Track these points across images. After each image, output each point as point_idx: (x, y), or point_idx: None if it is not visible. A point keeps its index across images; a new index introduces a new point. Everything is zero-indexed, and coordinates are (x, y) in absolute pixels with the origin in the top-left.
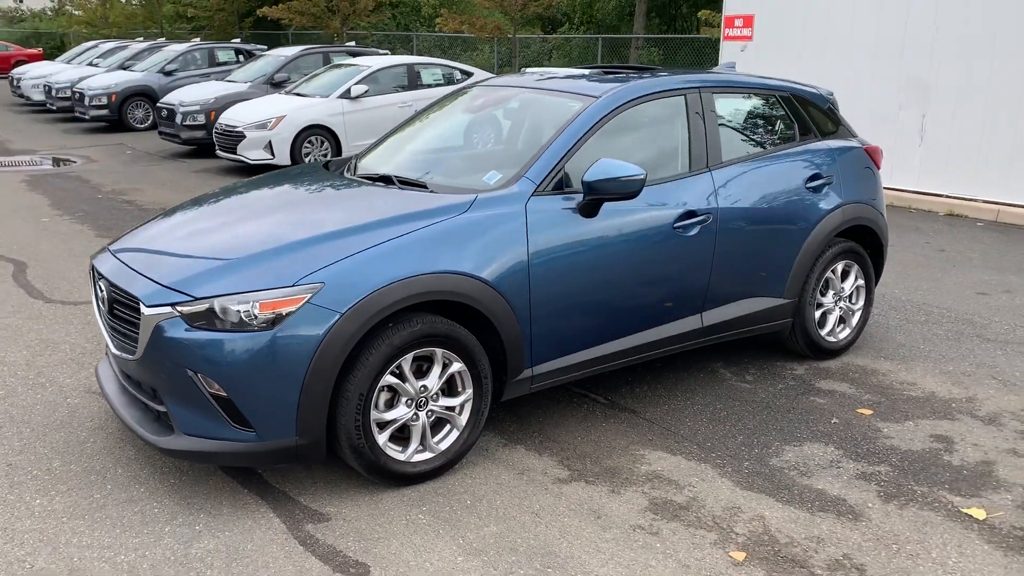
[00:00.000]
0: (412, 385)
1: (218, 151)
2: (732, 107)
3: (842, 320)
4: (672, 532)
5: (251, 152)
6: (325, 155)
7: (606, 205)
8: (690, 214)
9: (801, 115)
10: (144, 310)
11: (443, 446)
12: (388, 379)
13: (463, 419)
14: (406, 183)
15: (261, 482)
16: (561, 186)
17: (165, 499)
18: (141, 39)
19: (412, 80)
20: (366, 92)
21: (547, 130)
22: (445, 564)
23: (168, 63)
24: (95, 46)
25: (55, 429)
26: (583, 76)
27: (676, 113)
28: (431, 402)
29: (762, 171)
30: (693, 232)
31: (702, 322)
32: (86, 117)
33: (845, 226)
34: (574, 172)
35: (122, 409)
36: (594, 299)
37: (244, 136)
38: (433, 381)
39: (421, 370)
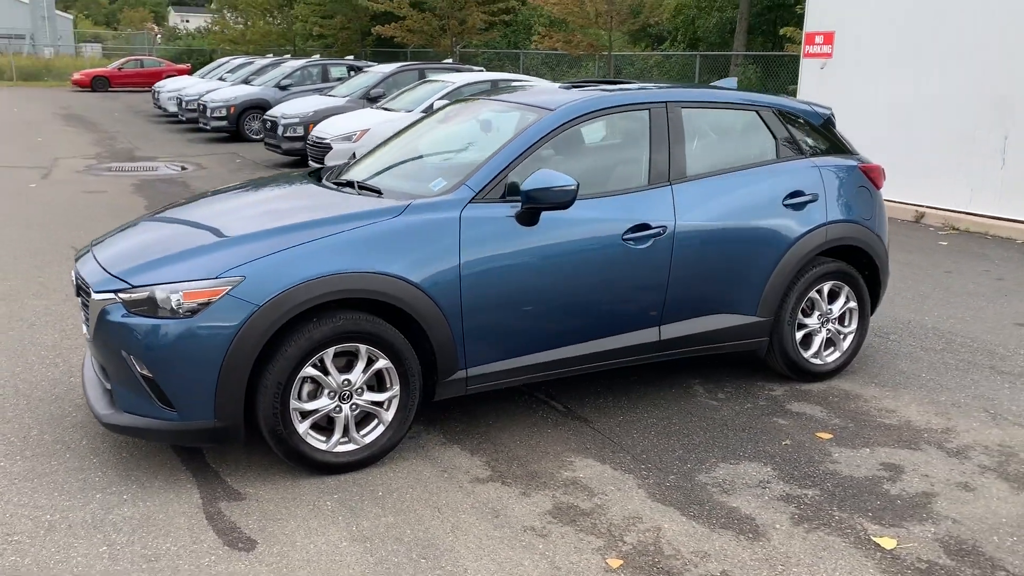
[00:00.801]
0: (334, 378)
1: (310, 161)
2: (705, 122)
3: (831, 343)
4: (561, 536)
5: (337, 163)
6: None
7: (548, 214)
8: (642, 227)
9: (785, 132)
10: (93, 295)
11: (368, 439)
12: (309, 371)
13: (389, 415)
14: (364, 188)
15: (199, 461)
16: (507, 195)
17: (109, 470)
18: (271, 56)
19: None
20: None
21: (502, 140)
22: (328, 547)
23: (284, 78)
24: (227, 62)
25: (48, 403)
26: (560, 89)
27: (638, 127)
28: (355, 396)
29: (730, 187)
30: (645, 245)
31: (660, 335)
32: (208, 127)
33: (830, 245)
34: (522, 181)
35: (88, 387)
36: (535, 306)
37: (331, 147)
38: (357, 376)
39: (348, 365)
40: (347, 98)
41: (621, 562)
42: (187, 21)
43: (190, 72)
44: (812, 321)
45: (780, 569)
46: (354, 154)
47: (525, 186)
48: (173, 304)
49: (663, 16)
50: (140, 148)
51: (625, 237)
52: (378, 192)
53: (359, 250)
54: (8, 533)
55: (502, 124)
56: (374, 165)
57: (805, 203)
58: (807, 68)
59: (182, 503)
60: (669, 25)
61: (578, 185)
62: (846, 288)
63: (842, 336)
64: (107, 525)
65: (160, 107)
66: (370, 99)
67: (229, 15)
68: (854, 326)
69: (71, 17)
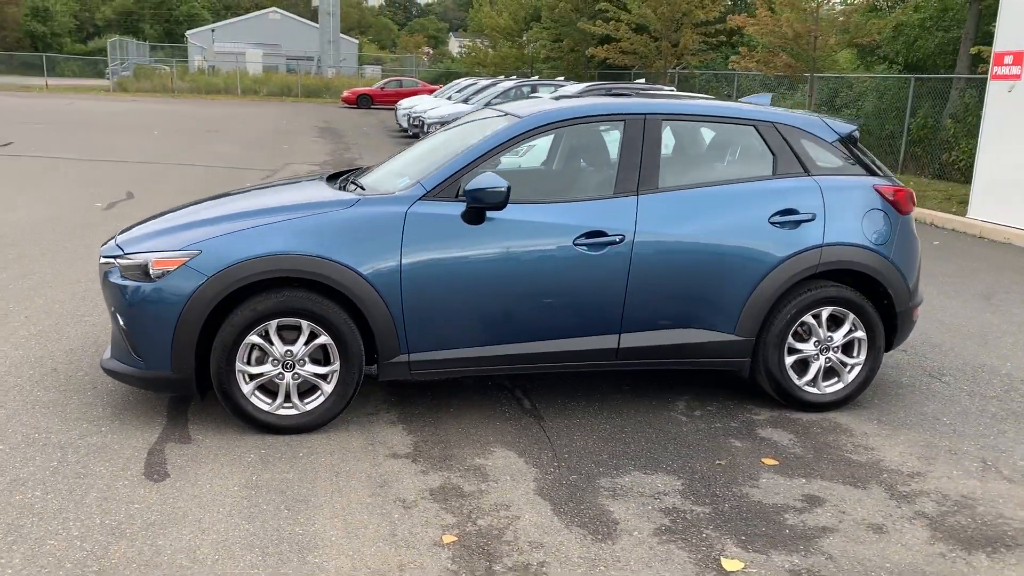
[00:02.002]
0: (278, 348)
1: None
2: (691, 135)
3: (833, 373)
4: (422, 511)
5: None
6: None
7: (498, 215)
8: (597, 233)
9: (786, 148)
10: (100, 260)
11: (310, 407)
12: (253, 338)
13: (329, 387)
14: (356, 185)
15: (180, 410)
16: (460, 195)
17: (108, 408)
18: (500, 77)
19: None
20: None
21: (472, 144)
22: (220, 489)
23: (495, 97)
24: (457, 83)
25: (64, 353)
26: (550, 99)
27: (610, 138)
28: (298, 366)
29: (707, 201)
30: (600, 251)
31: (619, 343)
32: None
33: (825, 268)
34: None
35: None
36: (479, 301)
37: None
38: (299, 348)
39: (294, 338)
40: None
41: (454, 539)
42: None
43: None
44: (807, 347)
45: (600, 570)
46: None
47: (467, 186)
48: (148, 271)
49: (874, 35)
50: (362, 157)
51: (577, 242)
52: (361, 188)
53: (304, 236)
54: (1, 438)
55: (479, 131)
56: (391, 167)
57: (798, 222)
58: (994, 91)
59: (139, 440)
60: (889, 48)
61: (509, 188)
62: (851, 316)
63: (847, 367)
64: (71, 447)
65: (398, 122)
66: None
67: (480, 41)
68: (861, 358)
69: (356, 41)
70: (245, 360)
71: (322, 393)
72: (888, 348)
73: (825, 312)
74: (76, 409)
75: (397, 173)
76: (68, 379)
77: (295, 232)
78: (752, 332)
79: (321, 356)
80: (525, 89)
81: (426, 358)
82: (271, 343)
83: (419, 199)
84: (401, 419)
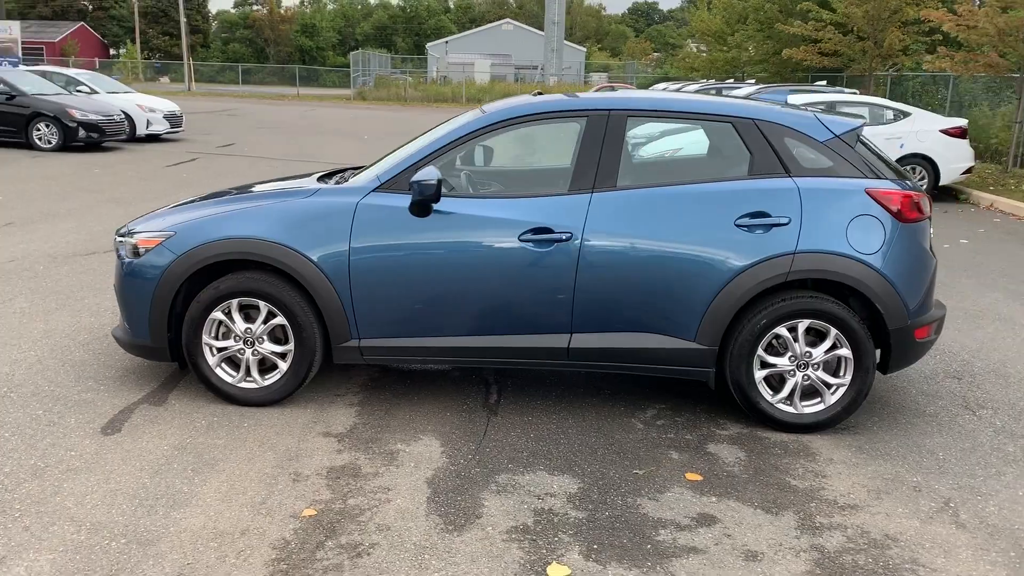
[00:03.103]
0: (238, 326)
1: None
2: (661, 133)
3: (815, 392)
4: (308, 485)
5: None
6: None
7: (442, 207)
8: (544, 230)
9: (767, 147)
10: (115, 238)
11: (267, 383)
12: (217, 315)
13: (285, 365)
14: (342, 178)
15: (175, 377)
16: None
17: (116, 369)
18: (704, 80)
19: None
20: None
21: (433, 138)
22: (154, 447)
23: None
24: (654, 88)
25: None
26: (534, 95)
27: (571, 134)
28: (257, 344)
29: (667, 201)
30: (546, 248)
31: (570, 343)
32: None
33: (798, 277)
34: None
35: None
36: (425, 292)
37: None
38: (257, 327)
39: (254, 317)
40: None
41: (313, 513)
42: (703, 51)
43: None
44: (782, 362)
45: (424, 559)
46: None
47: (413, 179)
48: (137, 249)
49: None
50: None
51: (523, 238)
52: (345, 181)
53: (262, 222)
54: (15, 385)
55: (452, 125)
56: (383, 162)
57: (768, 226)
58: None
59: (120, 399)
60: None
61: (440, 180)
62: (834, 331)
63: (830, 388)
64: (63, 399)
65: None
66: None
67: (694, 45)
68: (847, 378)
69: (583, 49)
70: (212, 334)
71: (279, 371)
72: (884, 371)
73: (802, 325)
74: (93, 369)
75: (379, 167)
76: (107, 344)
77: (255, 218)
78: (714, 341)
79: (281, 336)
80: (712, 92)
81: (376, 344)
82: (233, 321)
83: (372, 191)
84: (362, 402)
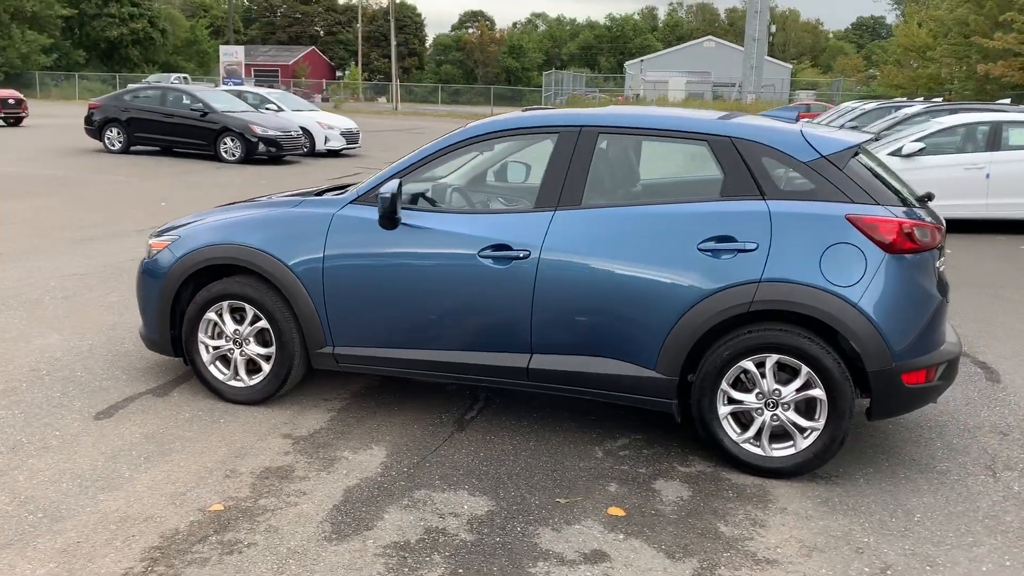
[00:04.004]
0: (228, 326)
1: None
2: (634, 150)
3: (788, 435)
4: (234, 482)
5: None
6: None
7: (410, 221)
8: (502, 247)
9: (739, 165)
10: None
11: (253, 383)
12: (210, 315)
13: (268, 367)
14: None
15: (183, 372)
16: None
17: (140, 361)
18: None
19: (993, 140)
20: (922, 150)
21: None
22: (127, 433)
23: (850, 120)
24: (845, 106)
25: None
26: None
27: (542, 150)
28: (244, 345)
29: (630, 221)
30: (504, 266)
31: (529, 363)
32: None
33: (762, 307)
34: (411, 190)
35: None
36: (391, 303)
37: None
38: (245, 329)
39: (243, 319)
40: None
41: (220, 508)
42: (913, 66)
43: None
44: (749, 399)
45: (286, 563)
46: None
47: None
48: (150, 250)
49: None
50: None
51: (482, 254)
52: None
53: (250, 230)
54: (54, 368)
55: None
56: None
57: (733, 251)
58: None
59: (131, 388)
60: None
61: (392, 195)
62: (805, 369)
63: (803, 432)
64: (84, 384)
65: None
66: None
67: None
68: (821, 422)
69: (789, 66)
70: (207, 334)
71: (263, 372)
72: (870, 416)
73: (770, 360)
74: (130, 361)
75: (364, 181)
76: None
77: (244, 226)
78: (674, 371)
79: (267, 339)
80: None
81: (349, 352)
82: (224, 322)
83: (349, 203)
84: (343, 408)
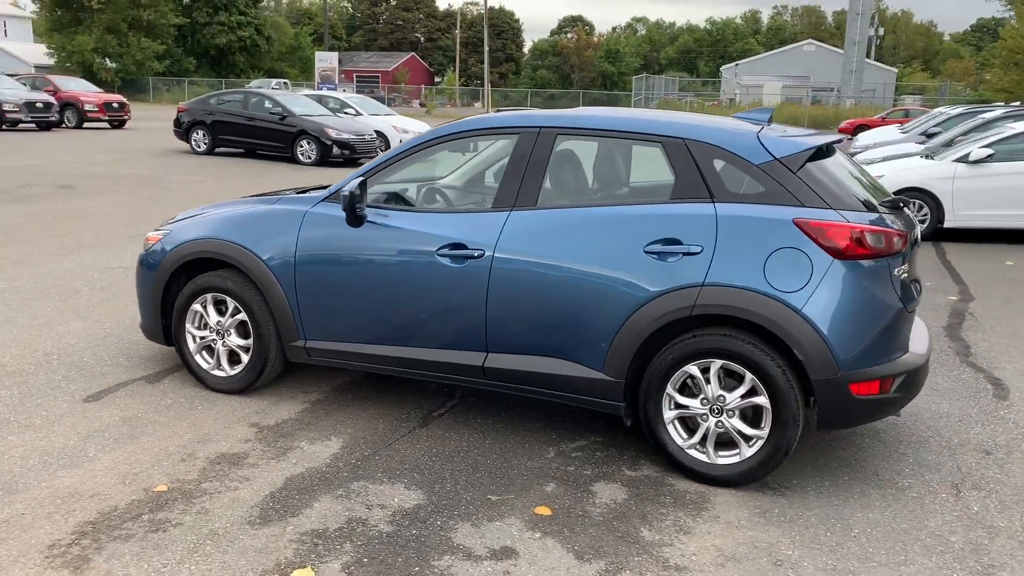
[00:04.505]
0: (212, 318)
1: None
2: (590, 151)
3: (732, 443)
4: (186, 466)
5: None
6: (923, 222)
7: (376, 219)
8: (458, 246)
9: (691, 167)
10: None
11: (233, 373)
12: (196, 307)
13: (247, 358)
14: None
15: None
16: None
17: (145, 351)
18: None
19: None
20: (990, 156)
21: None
22: (108, 416)
23: (935, 125)
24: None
25: None
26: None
27: (503, 151)
28: (226, 336)
29: (580, 222)
30: (460, 265)
31: (484, 362)
32: None
33: (703, 312)
34: (382, 189)
35: None
36: (356, 299)
37: None
38: (226, 320)
39: (226, 311)
40: (909, 132)
41: (164, 489)
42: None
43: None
44: (694, 404)
45: (202, 544)
46: None
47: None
48: (146, 243)
49: None
50: None
51: (440, 253)
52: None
53: (231, 226)
54: (66, 354)
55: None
56: None
57: (678, 254)
58: None
59: (128, 375)
60: None
61: (351, 193)
62: (749, 376)
63: (749, 440)
64: (85, 370)
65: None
66: (928, 135)
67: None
68: (766, 431)
69: (894, 70)
70: (193, 324)
71: (242, 363)
72: (818, 426)
73: (714, 366)
74: (137, 349)
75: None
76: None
77: (227, 222)
78: (621, 373)
79: (248, 331)
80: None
81: (320, 346)
82: (208, 314)
83: (321, 200)
84: (319, 400)
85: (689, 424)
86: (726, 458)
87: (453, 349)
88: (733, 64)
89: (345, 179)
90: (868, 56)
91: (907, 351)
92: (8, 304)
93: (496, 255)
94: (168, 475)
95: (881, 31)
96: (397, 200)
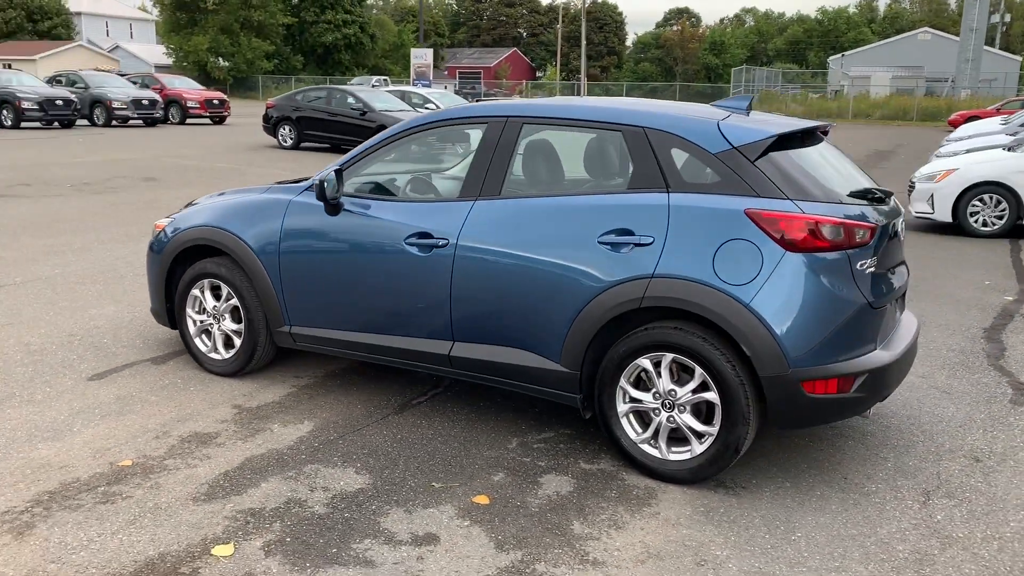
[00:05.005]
0: (208, 303)
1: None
2: (554, 140)
3: (685, 439)
4: (157, 441)
5: (916, 205)
6: (1000, 217)
7: (352, 208)
8: (424, 235)
9: (648, 156)
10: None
11: (228, 356)
12: (195, 292)
13: (239, 343)
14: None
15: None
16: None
17: (149, 332)
18: None
19: None
20: None
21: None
22: (104, 393)
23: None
24: None
25: None
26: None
27: (472, 140)
28: (220, 321)
29: (539, 212)
30: (426, 254)
31: (451, 351)
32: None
33: (653, 304)
34: (369, 179)
35: None
36: (334, 286)
37: (914, 187)
38: (222, 305)
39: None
40: (1009, 125)
41: (128, 464)
42: None
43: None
44: (647, 398)
45: (142, 515)
46: (931, 196)
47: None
48: (155, 230)
49: None
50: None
51: (408, 241)
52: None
53: (226, 214)
54: (87, 335)
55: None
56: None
57: (629, 245)
58: None
59: (134, 356)
60: None
61: (322, 181)
62: (699, 371)
63: (701, 437)
64: (100, 350)
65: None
66: None
67: None
68: (716, 427)
69: (1018, 59)
70: (193, 308)
71: (235, 347)
72: (772, 425)
73: (666, 359)
74: (154, 331)
75: None
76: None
77: (224, 210)
78: (575, 364)
79: (240, 316)
80: None
81: (304, 332)
82: (206, 299)
83: (305, 190)
84: (308, 385)
85: (644, 419)
86: (678, 454)
87: (422, 337)
88: (839, 56)
89: (330, 166)
90: (992, 44)
91: (874, 349)
92: (56, 288)
93: (459, 244)
94: (137, 451)
95: (1008, 17)
96: (382, 190)
